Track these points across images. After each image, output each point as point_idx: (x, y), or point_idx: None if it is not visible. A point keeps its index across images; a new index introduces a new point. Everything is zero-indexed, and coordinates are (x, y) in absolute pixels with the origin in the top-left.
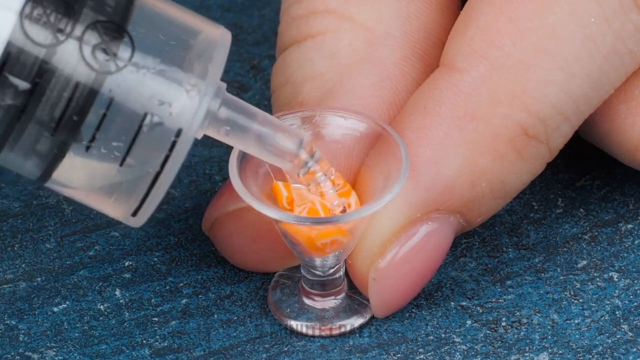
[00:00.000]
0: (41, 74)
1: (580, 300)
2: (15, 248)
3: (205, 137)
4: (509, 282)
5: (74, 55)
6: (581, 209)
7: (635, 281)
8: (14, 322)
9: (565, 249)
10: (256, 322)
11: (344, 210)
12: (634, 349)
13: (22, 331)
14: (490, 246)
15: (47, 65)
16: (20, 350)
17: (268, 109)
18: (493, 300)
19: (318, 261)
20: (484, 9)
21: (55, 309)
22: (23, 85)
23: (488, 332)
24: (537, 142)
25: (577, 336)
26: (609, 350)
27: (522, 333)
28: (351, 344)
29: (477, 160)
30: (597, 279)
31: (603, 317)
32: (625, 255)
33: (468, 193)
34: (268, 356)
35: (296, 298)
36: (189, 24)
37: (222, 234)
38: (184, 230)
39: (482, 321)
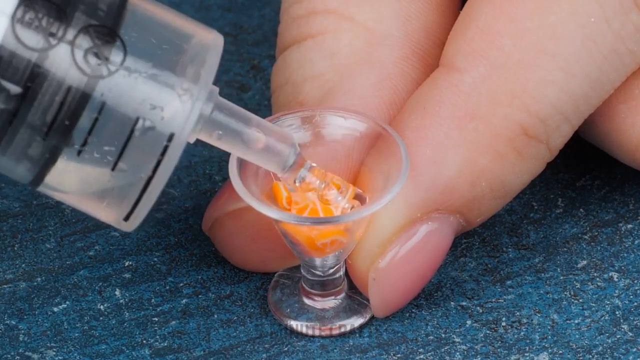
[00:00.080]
0: (33, 78)
1: (580, 300)
2: (15, 248)
3: None
4: (509, 282)
5: (66, 59)
6: (581, 209)
7: (635, 281)
8: (14, 322)
9: (565, 249)
10: (256, 322)
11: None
12: (634, 349)
13: (22, 331)
14: (490, 246)
15: (39, 69)
16: (20, 350)
17: (268, 109)
18: (493, 300)
19: (318, 261)
20: (484, 9)
21: (55, 309)
22: (15, 89)
23: (488, 332)
24: (537, 142)
25: (577, 336)
26: (609, 350)
27: (522, 333)
28: (351, 344)
29: (477, 160)
30: (597, 279)
31: (603, 317)
32: (625, 255)
33: (468, 193)
34: (268, 356)
35: (296, 298)
36: (182, 27)
37: (222, 234)
38: (184, 230)
39: (482, 321)
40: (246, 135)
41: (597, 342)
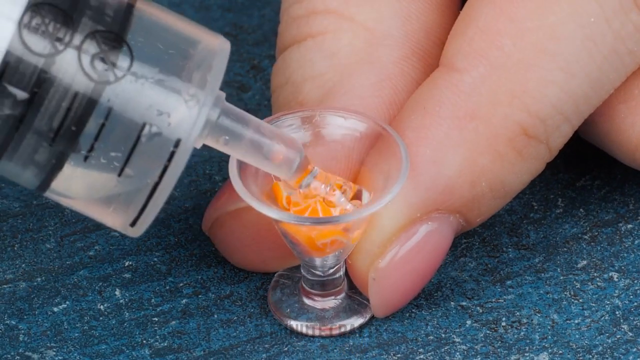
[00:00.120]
0: (40, 83)
1: (580, 300)
2: (15, 248)
3: None
4: (509, 282)
5: (73, 65)
6: (581, 209)
7: (635, 281)
8: (14, 322)
9: (565, 249)
10: (256, 322)
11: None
12: (634, 349)
13: (22, 331)
14: (490, 246)
15: (46, 75)
16: (20, 350)
17: (268, 109)
18: (493, 300)
19: (318, 261)
20: (484, 9)
21: (55, 309)
22: (21, 95)
23: (488, 332)
24: (537, 142)
25: (577, 336)
26: (609, 350)
27: (522, 333)
28: (351, 344)
29: (477, 160)
30: (597, 279)
31: (603, 317)
32: (625, 255)
33: (468, 193)
34: (268, 356)
35: (296, 298)
36: (188, 33)
37: (222, 234)
38: (184, 230)
39: (482, 321)
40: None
41: (597, 342)
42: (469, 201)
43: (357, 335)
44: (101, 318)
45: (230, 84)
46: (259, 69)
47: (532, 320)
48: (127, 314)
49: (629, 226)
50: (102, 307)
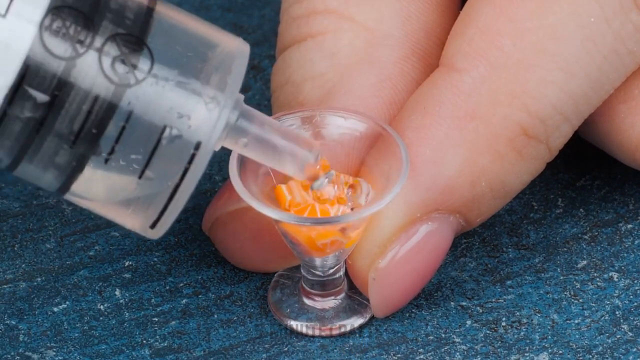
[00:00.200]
0: (60, 86)
1: (580, 300)
2: (15, 248)
3: None
4: (509, 282)
5: (94, 67)
6: (581, 209)
7: (635, 281)
8: (14, 322)
9: (565, 249)
10: (256, 322)
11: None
12: (634, 349)
13: (22, 331)
14: (490, 246)
15: (67, 78)
16: (20, 350)
17: (268, 109)
18: (493, 300)
19: (318, 261)
20: (484, 9)
21: (55, 309)
22: (42, 97)
23: (488, 332)
24: (537, 142)
25: (577, 336)
26: (609, 350)
27: (522, 333)
28: (351, 344)
29: (477, 160)
30: (597, 279)
31: (603, 317)
32: (625, 255)
33: (468, 193)
34: (268, 356)
35: (296, 298)
36: (207, 36)
37: (222, 234)
38: (184, 230)
39: (482, 321)
40: (272, 143)
41: (597, 342)
42: (469, 201)
43: (357, 335)
44: (101, 318)
45: None
46: (259, 69)
47: (532, 320)
48: (127, 314)
49: (629, 226)
50: (102, 307)
